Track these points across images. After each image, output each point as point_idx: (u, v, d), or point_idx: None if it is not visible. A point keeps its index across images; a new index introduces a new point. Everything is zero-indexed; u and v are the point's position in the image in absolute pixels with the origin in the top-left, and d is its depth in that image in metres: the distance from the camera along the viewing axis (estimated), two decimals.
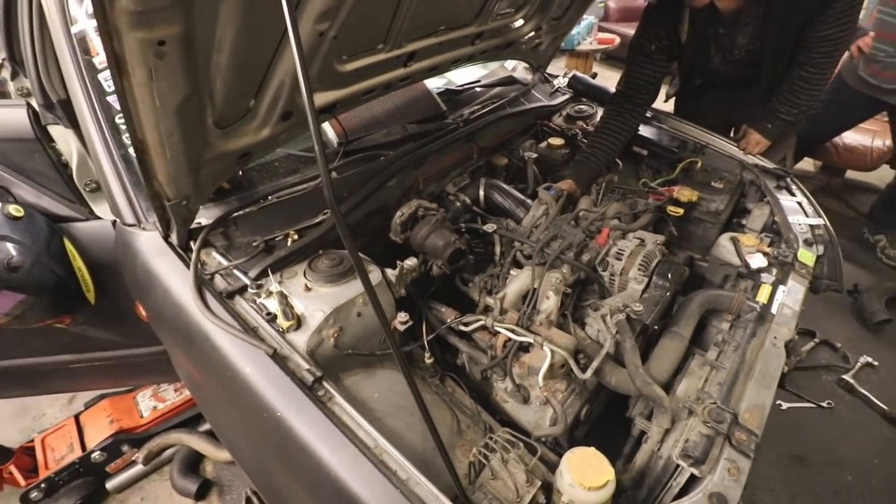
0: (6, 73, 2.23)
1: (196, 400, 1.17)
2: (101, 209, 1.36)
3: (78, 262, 1.18)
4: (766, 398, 0.97)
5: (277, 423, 0.80)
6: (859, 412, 1.87)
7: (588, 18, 4.73)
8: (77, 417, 1.71)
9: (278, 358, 0.86)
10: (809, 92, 1.53)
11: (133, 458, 1.67)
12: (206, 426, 1.78)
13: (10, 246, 1.03)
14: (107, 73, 1.21)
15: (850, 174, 3.20)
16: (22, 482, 1.56)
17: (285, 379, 0.83)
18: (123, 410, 1.72)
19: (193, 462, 1.73)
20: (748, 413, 0.93)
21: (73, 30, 1.21)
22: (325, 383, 0.85)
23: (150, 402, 1.77)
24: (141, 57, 0.58)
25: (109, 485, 1.66)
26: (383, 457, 0.77)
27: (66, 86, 1.19)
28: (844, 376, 1.97)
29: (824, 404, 1.88)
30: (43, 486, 1.53)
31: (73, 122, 1.58)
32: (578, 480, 0.83)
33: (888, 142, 2.56)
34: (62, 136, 1.74)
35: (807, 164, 3.42)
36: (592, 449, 0.88)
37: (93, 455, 1.59)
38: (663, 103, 2.15)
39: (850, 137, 2.69)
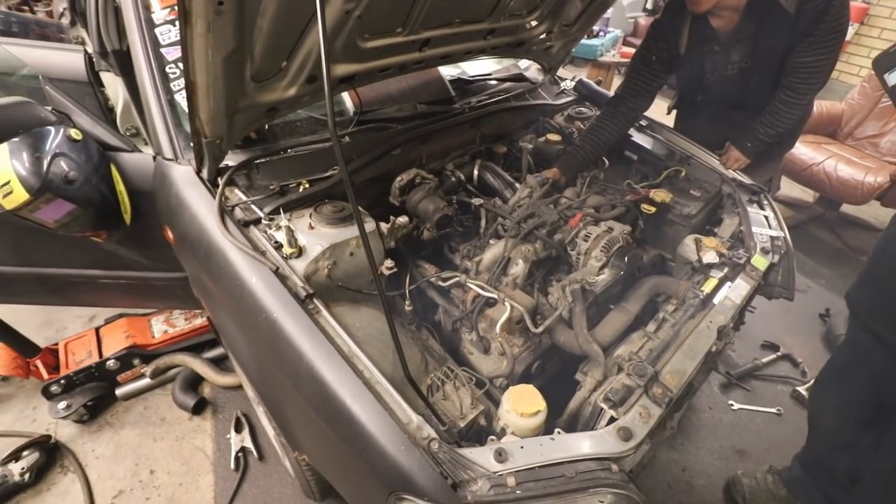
0: (66, 21, 2.46)
1: (207, 308, 1.36)
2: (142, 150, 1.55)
3: (120, 187, 1.37)
4: (688, 366, 1.11)
5: (272, 324, 0.98)
6: (805, 421, 2.00)
7: (614, 31, 4.85)
8: (97, 330, 1.92)
9: (279, 275, 1.04)
10: (787, 115, 1.66)
11: (142, 372, 1.88)
12: (209, 354, 1.98)
13: (69, 162, 1.23)
14: (163, 28, 1.41)
15: (847, 208, 3.29)
16: (45, 376, 1.78)
17: (283, 291, 1.00)
18: (138, 329, 1.93)
19: (194, 383, 1.94)
20: (669, 375, 1.08)
21: None
22: (315, 300, 1.03)
23: (162, 326, 1.98)
24: (203, 12, 0.76)
25: (119, 392, 1.87)
26: (353, 359, 0.94)
27: (127, 36, 1.37)
28: (799, 388, 2.11)
29: (774, 410, 2.02)
30: (62, 382, 1.75)
31: (123, 71, 1.79)
32: (514, 408, 0.99)
33: (880, 178, 2.66)
34: (111, 83, 1.95)
35: (805, 195, 3.52)
36: (530, 385, 1.05)
37: (108, 363, 1.80)
38: (665, 115, 2.29)
39: (844, 171, 2.80)
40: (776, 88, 1.69)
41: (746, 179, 1.81)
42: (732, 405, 2.03)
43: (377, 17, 1.16)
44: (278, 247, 1.12)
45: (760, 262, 1.48)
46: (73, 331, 2.18)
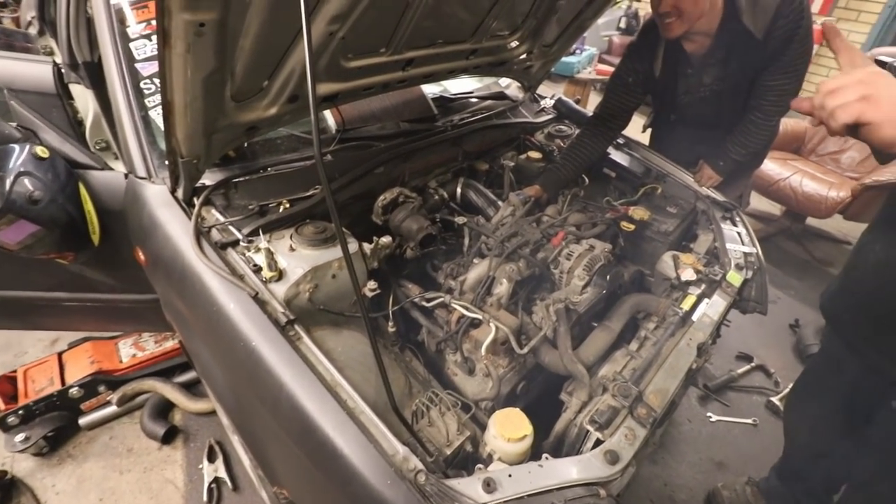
0: (34, 30, 2.37)
1: (180, 333, 1.30)
2: (112, 164, 1.49)
3: (88, 206, 1.31)
4: (670, 385, 1.13)
5: (251, 352, 0.94)
6: (780, 431, 2.04)
7: (590, 49, 4.99)
8: (60, 355, 1.82)
9: (259, 300, 1.00)
10: (757, 135, 1.74)
11: (108, 399, 1.78)
12: (180, 378, 1.90)
13: (34, 181, 1.17)
14: (138, 43, 1.37)
15: (812, 221, 3.44)
16: (1, 406, 1.67)
17: (262, 317, 0.97)
18: (105, 354, 1.83)
19: (163, 409, 1.85)
20: (652, 394, 1.09)
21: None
22: (296, 326, 1.00)
23: (130, 350, 1.89)
24: (183, 34, 0.73)
25: (82, 421, 1.77)
26: (336, 388, 0.91)
27: (100, 50, 1.33)
28: (772, 398, 2.16)
29: (750, 421, 2.07)
30: (20, 412, 1.64)
31: (94, 84, 1.73)
32: (501, 433, 0.98)
33: (842, 193, 2.80)
34: (81, 96, 1.88)
35: (773, 208, 3.66)
36: (516, 409, 1.04)
37: (71, 390, 1.70)
38: (640, 133, 2.35)
39: (809, 186, 2.93)
40: (746, 109, 1.76)
41: (719, 196, 1.86)
42: (710, 417, 2.06)
43: (361, 37, 1.15)
44: (257, 270, 1.09)
45: (735, 278, 1.52)
46: (34, 356, 2.06)
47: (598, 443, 1.01)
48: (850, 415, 1.36)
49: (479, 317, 1.21)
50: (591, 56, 5.01)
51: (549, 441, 1.14)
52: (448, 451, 0.96)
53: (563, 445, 1.13)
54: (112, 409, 1.80)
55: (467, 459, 1.01)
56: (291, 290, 1.08)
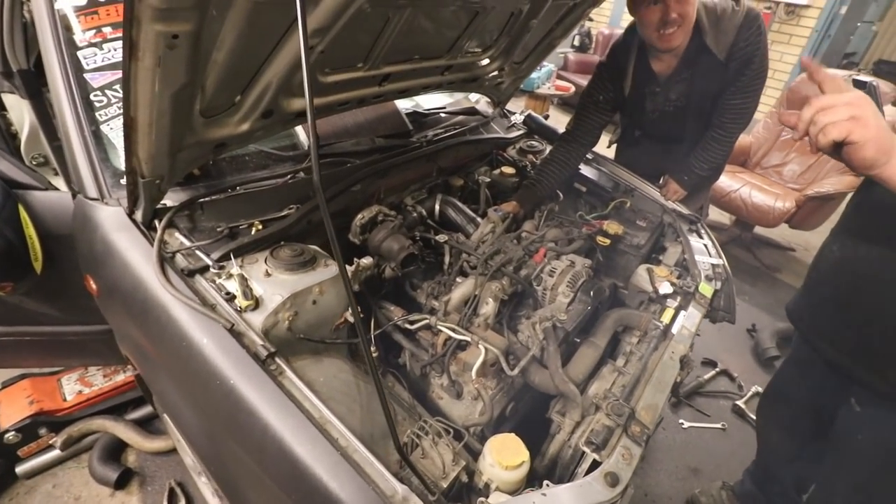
0: None
1: (142, 372, 1.18)
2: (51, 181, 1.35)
3: (30, 230, 1.18)
4: (659, 400, 1.14)
5: (229, 391, 0.86)
6: (747, 434, 2.14)
7: (548, 66, 5.15)
8: None
9: (235, 333, 0.92)
10: (719, 151, 1.83)
11: (50, 443, 1.59)
12: (133, 414, 1.74)
13: None
14: (86, 52, 1.25)
15: (759, 230, 3.66)
16: None
17: (240, 351, 0.89)
18: (45, 392, 1.64)
19: (115, 450, 1.68)
20: (643, 410, 1.09)
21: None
22: (277, 359, 0.92)
23: (75, 386, 1.71)
24: (154, 46, 0.66)
25: (20, 469, 1.57)
26: (326, 426, 0.85)
27: (43, 59, 1.20)
28: (738, 402, 2.25)
29: (719, 425, 2.14)
30: None
31: (30, 94, 1.57)
32: (497, 460, 0.94)
33: (788, 204, 3.00)
34: (16, 106, 1.71)
35: (723, 218, 3.87)
36: (512, 434, 1.01)
37: (6, 435, 1.51)
38: (605, 148, 2.42)
39: (758, 198, 3.13)
40: (708, 125, 1.85)
41: (684, 209, 1.94)
42: (683, 424, 2.12)
43: (340, 52, 1.11)
44: (230, 298, 1.01)
45: (706, 289, 1.58)
46: None
47: (594, 464, 1.00)
48: (819, 416, 1.42)
49: (468, 339, 1.18)
50: (550, 72, 5.18)
51: (543, 464, 1.11)
52: (444, 484, 0.92)
53: (557, 468, 1.10)
54: (55, 453, 1.61)
55: (462, 490, 0.97)
56: (270, 319, 1.00)
